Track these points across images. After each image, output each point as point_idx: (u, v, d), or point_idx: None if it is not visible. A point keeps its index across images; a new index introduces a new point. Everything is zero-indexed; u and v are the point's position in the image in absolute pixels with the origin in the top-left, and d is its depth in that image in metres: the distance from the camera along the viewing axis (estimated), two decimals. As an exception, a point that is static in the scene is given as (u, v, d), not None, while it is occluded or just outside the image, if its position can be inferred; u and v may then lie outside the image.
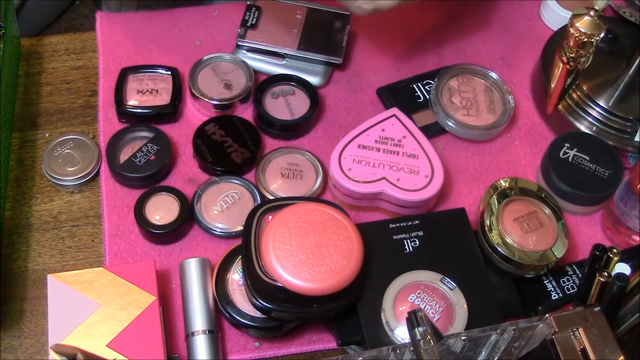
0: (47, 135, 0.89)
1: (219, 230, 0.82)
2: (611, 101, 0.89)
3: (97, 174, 0.86)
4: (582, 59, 0.83)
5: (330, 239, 0.71)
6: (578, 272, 0.81)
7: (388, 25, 1.00)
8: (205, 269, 0.77)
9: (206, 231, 0.82)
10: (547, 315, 0.63)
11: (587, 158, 0.85)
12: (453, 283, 0.74)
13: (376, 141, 0.83)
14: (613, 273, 0.66)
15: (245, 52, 0.94)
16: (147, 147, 0.85)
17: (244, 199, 0.84)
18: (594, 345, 0.61)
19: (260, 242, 0.72)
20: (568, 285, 0.80)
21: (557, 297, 0.80)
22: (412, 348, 0.61)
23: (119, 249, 0.82)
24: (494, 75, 0.93)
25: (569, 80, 0.86)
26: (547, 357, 0.62)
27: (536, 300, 0.79)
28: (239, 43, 0.93)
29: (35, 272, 0.80)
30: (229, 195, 0.84)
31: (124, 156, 0.85)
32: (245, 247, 0.73)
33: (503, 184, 0.81)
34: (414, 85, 0.94)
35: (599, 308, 0.63)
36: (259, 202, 0.83)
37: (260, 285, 0.71)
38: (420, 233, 0.78)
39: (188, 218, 0.82)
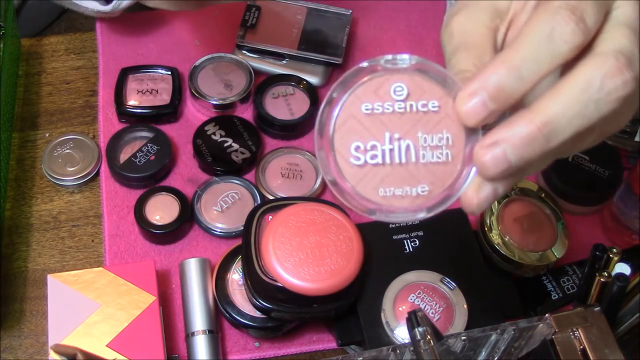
0: (47, 135, 0.89)
1: (219, 230, 0.82)
2: (611, 101, 0.88)
3: (97, 174, 0.86)
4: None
5: (330, 239, 0.71)
6: (578, 272, 0.81)
7: (388, 25, 1.00)
8: (205, 269, 0.77)
9: (206, 231, 0.82)
10: (547, 315, 0.63)
11: (587, 158, 0.85)
12: (453, 283, 0.74)
13: (376, 141, 0.83)
14: (613, 273, 0.66)
15: (245, 52, 0.94)
16: (147, 147, 0.85)
17: (244, 199, 0.84)
18: (594, 345, 0.61)
19: (260, 242, 0.72)
20: (568, 285, 0.80)
21: (557, 297, 0.80)
22: (412, 348, 0.61)
23: (119, 249, 0.82)
24: (494, 75, 0.93)
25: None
26: (547, 357, 0.62)
27: (536, 300, 0.79)
28: (239, 43, 0.93)
29: (35, 272, 0.80)
30: (229, 195, 0.84)
31: (124, 156, 0.85)
32: (245, 247, 0.73)
33: (503, 184, 0.80)
34: (414, 85, 0.93)
35: (599, 308, 0.63)
36: (259, 202, 0.83)
37: (260, 285, 0.71)
38: (420, 233, 0.78)
39: (188, 218, 0.82)
